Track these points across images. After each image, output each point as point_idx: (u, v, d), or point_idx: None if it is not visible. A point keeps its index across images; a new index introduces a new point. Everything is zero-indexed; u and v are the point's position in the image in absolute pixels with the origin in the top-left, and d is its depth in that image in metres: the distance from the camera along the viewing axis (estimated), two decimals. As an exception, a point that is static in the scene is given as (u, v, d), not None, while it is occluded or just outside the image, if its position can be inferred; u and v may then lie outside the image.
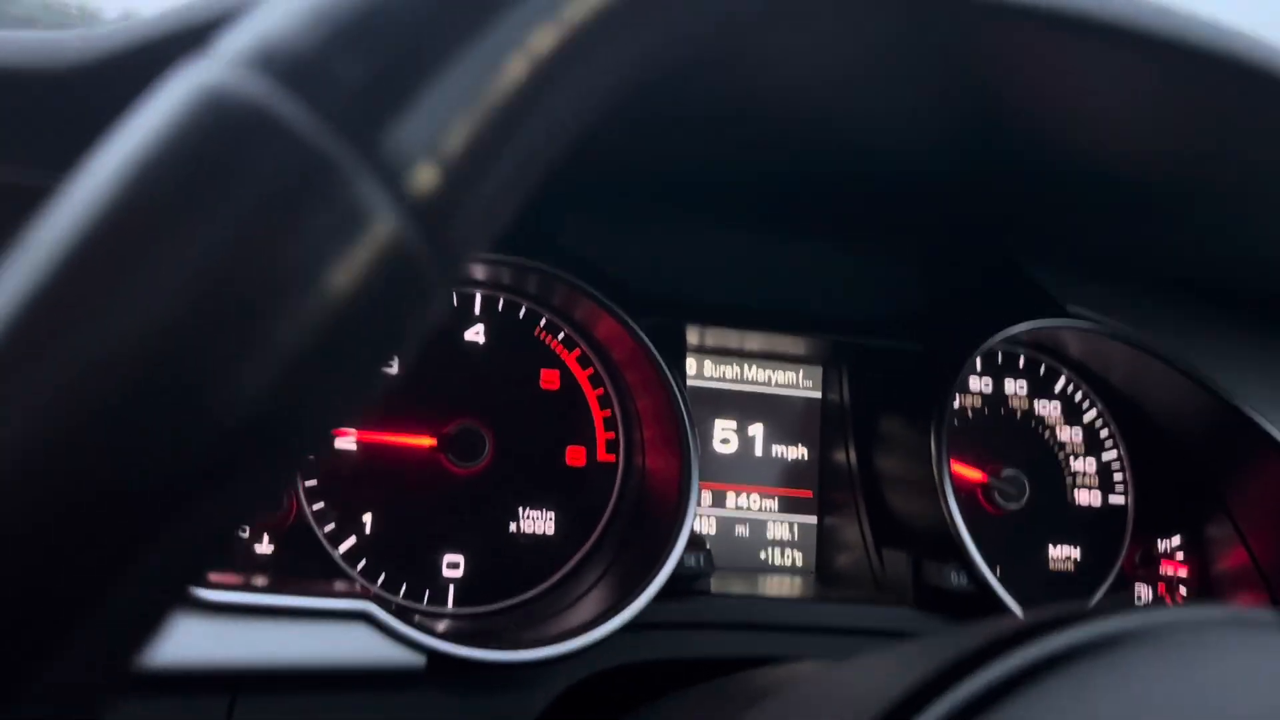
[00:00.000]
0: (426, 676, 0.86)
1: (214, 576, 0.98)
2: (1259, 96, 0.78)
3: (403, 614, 1.01)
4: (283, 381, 0.29)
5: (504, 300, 1.16)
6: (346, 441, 1.10)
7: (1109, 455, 1.32)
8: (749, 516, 1.23)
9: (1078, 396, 1.32)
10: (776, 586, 1.16)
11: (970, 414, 1.28)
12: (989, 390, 1.29)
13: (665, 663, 0.94)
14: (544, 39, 0.32)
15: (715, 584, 1.12)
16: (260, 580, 1.03)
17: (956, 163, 1.06)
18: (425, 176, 0.30)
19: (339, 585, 1.03)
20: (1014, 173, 1.06)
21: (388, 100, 0.30)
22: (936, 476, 1.08)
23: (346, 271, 0.29)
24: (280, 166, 0.28)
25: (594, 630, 0.90)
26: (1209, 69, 0.74)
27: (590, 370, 1.18)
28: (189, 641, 0.78)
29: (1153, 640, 0.45)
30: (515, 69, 0.31)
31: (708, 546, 1.18)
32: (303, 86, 0.29)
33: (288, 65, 0.29)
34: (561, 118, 0.33)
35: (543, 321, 1.17)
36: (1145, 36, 0.72)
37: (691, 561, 0.98)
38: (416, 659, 0.86)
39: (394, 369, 1.12)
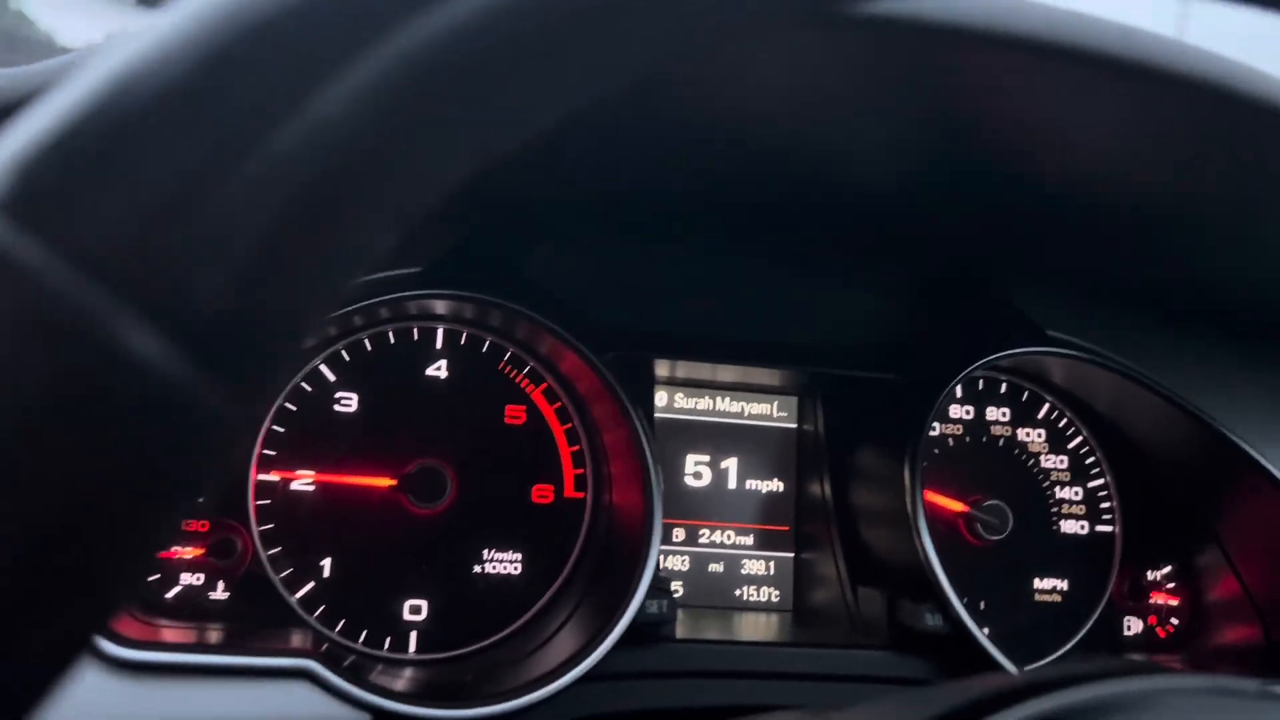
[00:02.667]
0: (375, 735, 0.82)
1: (147, 629, 0.95)
2: (1237, 121, 0.75)
3: (357, 666, 0.97)
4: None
5: (467, 335, 1.13)
6: (304, 484, 1.07)
7: (1095, 482, 1.28)
8: (723, 553, 1.20)
9: (1062, 423, 1.28)
10: (750, 627, 1.12)
11: (951, 442, 1.24)
12: (970, 417, 1.26)
13: (627, 714, 0.91)
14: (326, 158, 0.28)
15: (687, 626, 1.09)
16: (213, 629, 1.00)
17: (933, 188, 1.03)
18: (196, 311, 0.27)
19: (294, 636, 0.99)
20: (993, 199, 1.03)
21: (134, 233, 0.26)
22: (910, 511, 1.05)
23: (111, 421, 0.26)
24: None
25: (550, 684, 0.87)
26: (1186, 93, 0.72)
27: (557, 404, 1.14)
28: (116, 704, 0.75)
29: (1135, 710, 0.44)
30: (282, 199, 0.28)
31: (674, 589, 1.15)
32: (41, 226, 0.26)
33: (24, 200, 0.25)
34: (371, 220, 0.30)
35: (507, 355, 1.13)
36: (1117, 61, 0.69)
37: (654, 609, 0.94)
38: (360, 718, 0.82)
39: (353, 409, 1.09)
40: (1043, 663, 1.23)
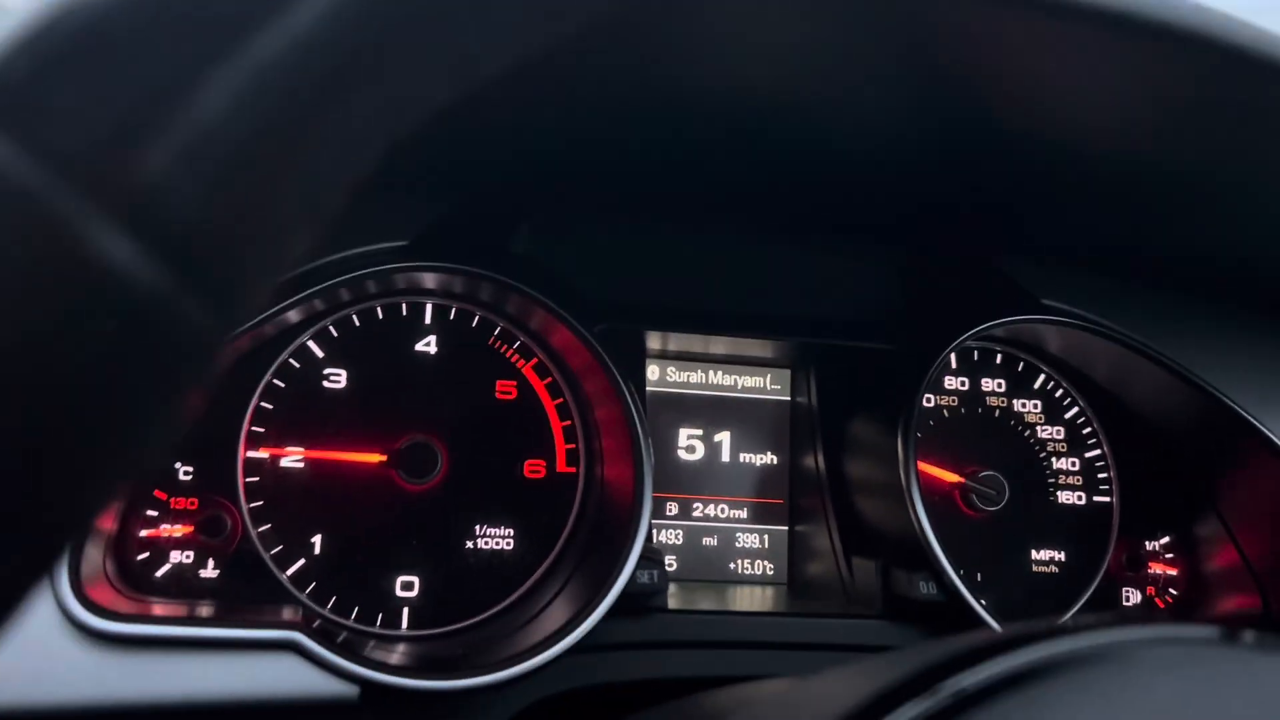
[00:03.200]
0: (363, 707, 0.82)
1: (134, 604, 0.94)
2: (1238, 81, 0.74)
3: (349, 642, 0.97)
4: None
5: (456, 309, 1.12)
6: (293, 460, 1.06)
7: (1092, 453, 1.27)
8: (717, 526, 1.19)
9: (1058, 393, 1.27)
10: (744, 599, 1.12)
11: (946, 414, 1.23)
12: (965, 388, 1.25)
13: (619, 685, 0.90)
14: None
15: (680, 598, 1.08)
16: (203, 607, 0.99)
17: (926, 155, 1.02)
18: (167, 210, 0.26)
19: (284, 611, 0.99)
20: (988, 167, 1.02)
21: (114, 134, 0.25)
22: (904, 481, 1.04)
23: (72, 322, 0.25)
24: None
25: (540, 654, 0.86)
26: (1187, 50, 0.70)
27: (549, 379, 1.13)
28: (101, 678, 0.74)
29: (1099, 662, 0.44)
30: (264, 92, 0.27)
31: (667, 560, 1.15)
32: (13, 124, 0.25)
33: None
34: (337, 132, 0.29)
35: (497, 330, 1.13)
36: (1117, 17, 0.68)
37: (645, 578, 0.93)
38: (349, 690, 0.81)
39: (342, 385, 1.08)
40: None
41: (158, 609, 0.93)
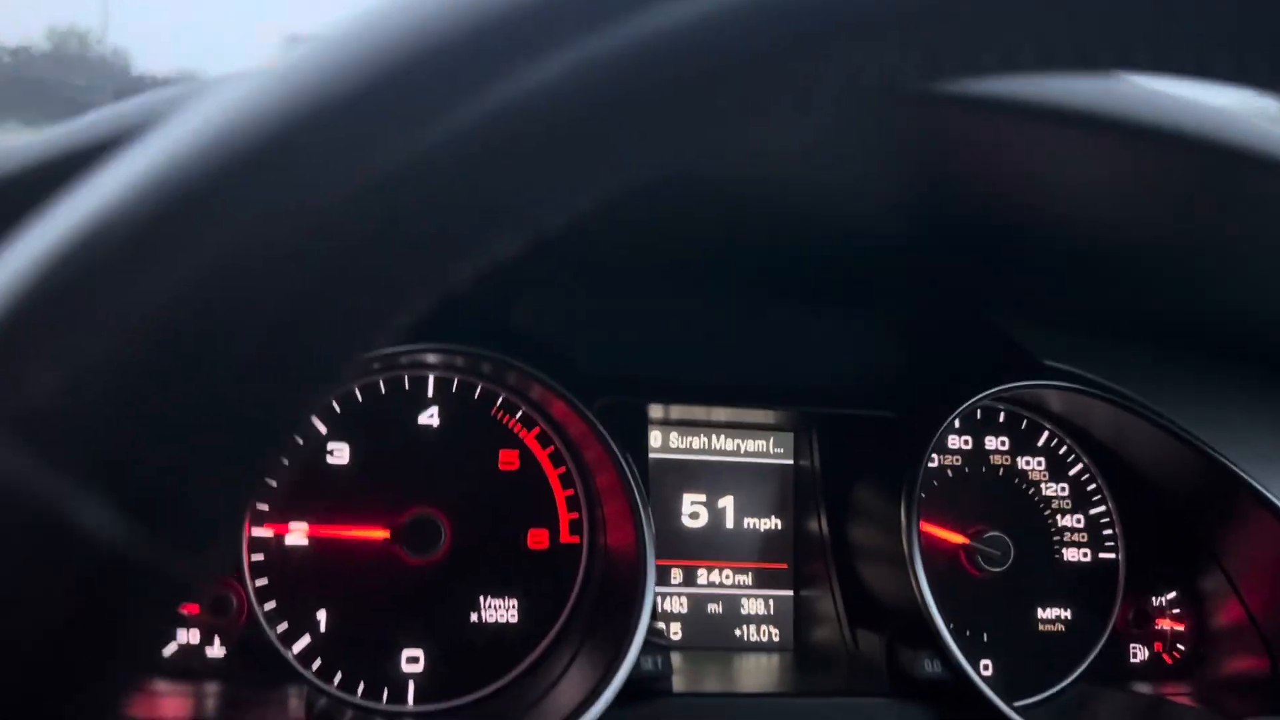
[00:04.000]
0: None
1: (158, 686, 0.94)
2: (1219, 169, 0.74)
3: (356, 719, 0.97)
4: None
5: (458, 381, 1.12)
6: (297, 537, 1.06)
7: (1096, 509, 1.27)
8: (722, 593, 1.19)
9: (1061, 450, 1.27)
10: (750, 673, 1.11)
11: (950, 473, 1.23)
12: (969, 447, 1.25)
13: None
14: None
15: (686, 675, 1.08)
16: (209, 689, 1.00)
17: (929, 228, 1.03)
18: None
19: (290, 699, 0.99)
20: (987, 241, 1.03)
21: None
22: (907, 551, 1.04)
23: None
24: None
25: (546, 745, 0.86)
26: (1168, 146, 0.71)
27: (551, 448, 1.14)
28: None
29: None
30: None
31: (672, 629, 1.15)
32: None
33: None
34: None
35: (499, 401, 1.13)
36: (1097, 119, 0.68)
37: (649, 665, 0.93)
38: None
39: (345, 460, 1.09)
40: (1048, 693, 1.22)
41: (160, 703, 0.93)
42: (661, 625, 1.13)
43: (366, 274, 0.27)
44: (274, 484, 1.06)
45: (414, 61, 0.27)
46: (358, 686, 1.05)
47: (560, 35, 0.27)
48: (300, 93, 0.27)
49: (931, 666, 0.99)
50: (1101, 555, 1.26)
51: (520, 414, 1.13)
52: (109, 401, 0.25)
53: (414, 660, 1.07)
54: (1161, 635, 1.26)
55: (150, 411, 0.26)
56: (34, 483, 0.25)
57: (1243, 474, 1.10)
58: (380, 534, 1.07)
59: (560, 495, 1.14)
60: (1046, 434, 1.27)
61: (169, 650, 1.02)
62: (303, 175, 0.26)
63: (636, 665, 0.92)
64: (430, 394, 1.11)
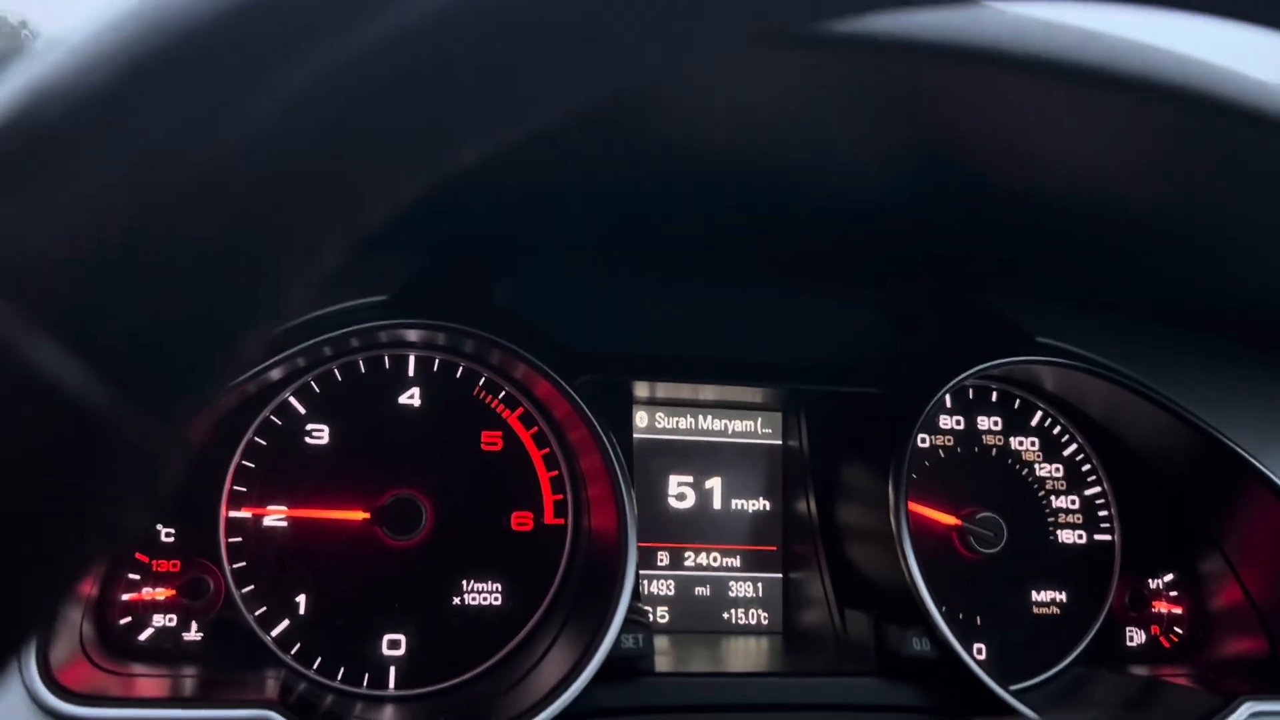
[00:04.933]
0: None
1: (99, 676, 0.92)
2: (1224, 130, 0.72)
3: (335, 706, 0.95)
4: None
5: (440, 361, 1.10)
6: (275, 519, 1.04)
7: (1092, 490, 1.25)
8: (709, 575, 1.17)
9: (1055, 430, 1.25)
10: (737, 654, 1.09)
11: (942, 454, 1.21)
12: (960, 428, 1.22)
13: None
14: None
15: (672, 656, 1.06)
16: (186, 672, 0.98)
17: (917, 202, 1.01)
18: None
19: (266, 680, 0.97)
20: (979, 213, 1.00)
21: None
22: (895, 530, 1.01)
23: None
24: None
25: (525, 723, 0.84)
26: (1172, 103, 0.69)
27: (534, 429, 1.12)
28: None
29: None
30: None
31: (659, 612, 1.13)
32: None
33: None
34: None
35: (481, 381, 1.11)
36: (1099, 74, 0.66)
37: (629, 643, 0.91)
38: (327, 768, 0.80)
39: (325, 441, 1.07)
40: (1043, 676, 1.19)
41: (135, 684, 0.92)
42: (648, 608, 1.11)
43: (332, 155, 0.27)
44: (252, 465, 1.04)
45: None
46: (338, 671, 1.03)
47: None
48: None
49: (920, 645, 0.97)
50: (1097, 537, 1.24)
51: (503, 394, 1.11)
52: (83, 252, 0.25)
53: (395, 644, 1.05)
54: (1159, 618, 1.24)
55: (125, 266, 0.25)
56: (6, 333, 0.24)
57: (1244, 453, 1.08)
58: (360, 515, 1.06)
59: (544, 477, 1.12)
60: (1040, 413, 1.25)
61: (145, 634, 1.00)
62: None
63: (617, 644, 0.90)
64: (411, 374, 1.10)
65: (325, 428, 1.07)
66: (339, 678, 1.03)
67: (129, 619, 1.01)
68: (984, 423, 1.23)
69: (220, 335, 0.28)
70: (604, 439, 1.00)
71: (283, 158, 0.27)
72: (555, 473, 1.12)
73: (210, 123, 0.26)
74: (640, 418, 1.16)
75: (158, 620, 1.01)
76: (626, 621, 0.91)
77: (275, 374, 1.03)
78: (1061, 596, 1.22)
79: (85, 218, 0.25)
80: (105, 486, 0.26)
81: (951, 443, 1.22)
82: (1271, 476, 1.07)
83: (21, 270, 0.25)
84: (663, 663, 0.99)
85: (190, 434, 0.28)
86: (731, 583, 1.17)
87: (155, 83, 0.26)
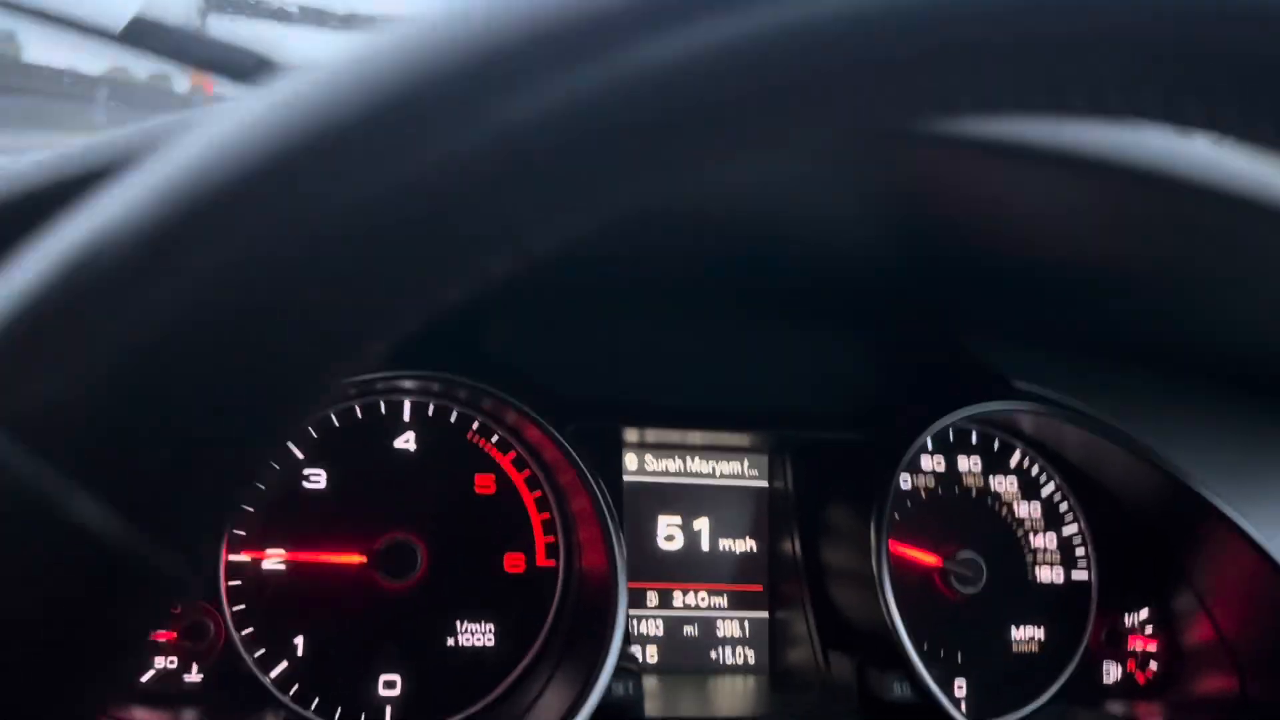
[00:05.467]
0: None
1: (136, 713, 0.95)
2: (1184, 203, 0.76)
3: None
4: None
5: (434, 406, 1.13)
6: (274, 562, 1.07)
7: (1069, 530, 1.28)
8: (698, 615, 1.20)
9: (1034, 470, 1.28)
10: (724, 696, 1.12)
11: (923, 494, 1.25)
12: (941, 469, 1.26)
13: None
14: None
15: (660, 701, 1.09)
16: (188, 714, 1.00)
17: (898, 253, 1.04)
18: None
19: (268, 717, 1.00)
20: (957, 263, 1.04)
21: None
22: (876, 573, 1.05)
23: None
24: None
25: (518, 769, 0.87)
26: (1135, 180, 0.72)
27: (527, 472, 1.15)
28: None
29: None
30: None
31: (648, 651, 1.16)
32: None
33: None
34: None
35: (475, 425, 1.14)
36: (1065, 156, 0.70)
37: (620, 691, 0.94)
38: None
39: (322, 485, 1.09)
40: (1023, 712, 1.22)
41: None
42: (637, 649, 1.13)
43: (355, 294, 0.28)
44: (251, 510, 1.07)
45: (419, 84, 0.28)
46: (335, 711, 1.06)
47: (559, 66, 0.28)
48: (302, 116, 0.28)
49: (901, 690, 1.00)
50: (1074, 575, 1.28)
51: (496, 438, 1.14)
52: (106, 403, 0.27)
53: (391, 685, 1.08)
54: (1134, 654, 1.27)
55: (145, 415, 0.27)
56: (31, 479, 0.26)
57: (1210, 497, 1.12)
58: (357, 559, 1.08)
59: (536, 519, 1.14)
60: (1019, 454, 1.28)
61: (146, 676, 1.03)
62: (298, 195, 0.27)
63: (608, 691, 0.93)
64: (406, 419, 1.12)
65: (323, 472, 1.09)
66: (336, 718, 1.06)
67: (140, 658, 1.03)
68: (964, 463, 1.27)
69: (238, 469, 0.30)
70: (593, 483, 1.03)
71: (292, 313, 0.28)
72: (547, 515, 1.15)
73: (225, 285, 0.27)
74: (630, 460, 1.19)
75: (159, 663, 1.03)
76: (617, 669, 0.94)
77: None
78: (1040, 634, 1.25)
79: (113, 377, 0.27)
80: (133, 613, 0.29)
81: (933, 484, 1.25)
82: (1239, 523, 1.11)
83: (49, 420, 0.27)
84: (652, 707, 1.02)
85: (206, 557, 0.31)
86: (719, 622, 1.20)
87: (168, 251, 0.27)
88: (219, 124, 0.28)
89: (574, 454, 1.02)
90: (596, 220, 0.32)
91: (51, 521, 0.27)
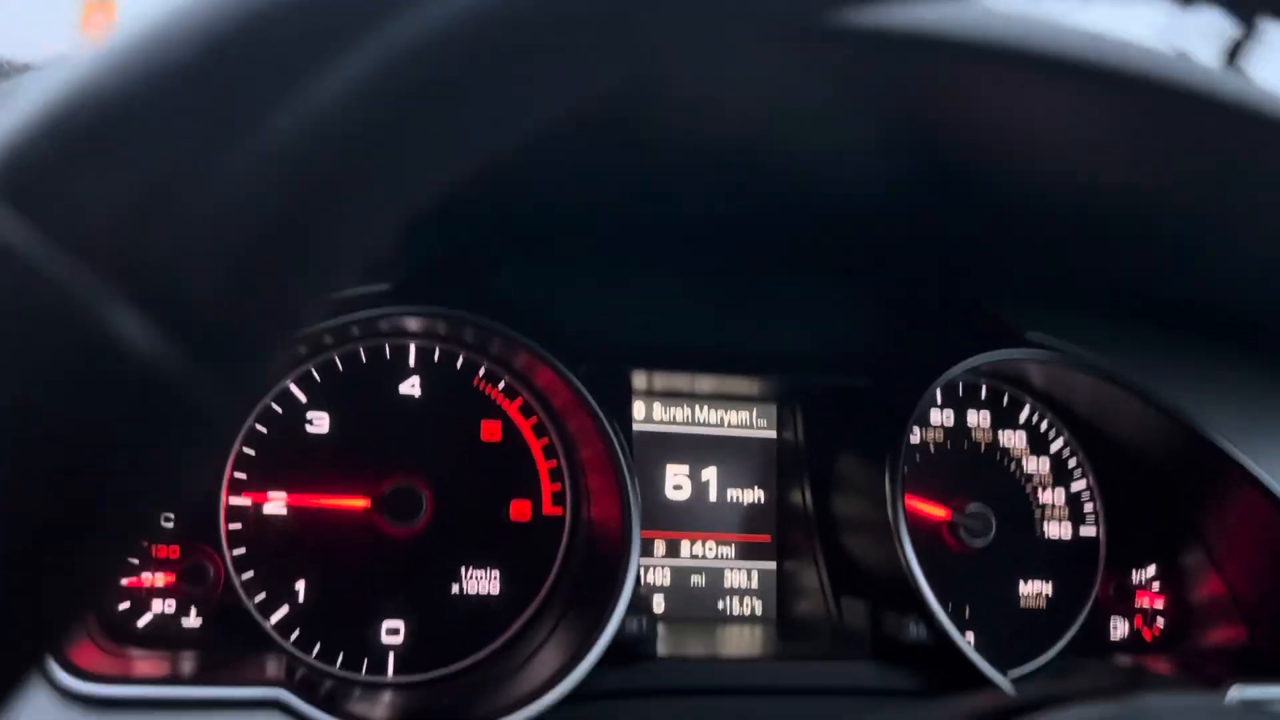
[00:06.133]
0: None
1: (114, 661, 0.93)
2: (1208, 125, 0.75)
3: (334, 692, 0.96)
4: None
5: (440, 351, 1.11)
6: (275, 506, 1.05)
7: (1078, 485, 1.27)
8: (705, 565, 1.18)
9: (1043, 426, 1.27)
10: (734, 640, 1.11)
11: (932, 448, 1.23)
12: (951, 423, 1.25)
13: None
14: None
15: (669, 642, 1.08)
16: (185, 659, 0.98)
17: (908, 196, 1.03)
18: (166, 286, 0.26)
19: (268, 663, 0.98)
20: (969, 207, 1.03)
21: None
22: (892, 520, 1.03)
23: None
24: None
25: (530, 705, 0.85)
26: (1158, 98, 0.71)
27: (534, 419, 1.13)
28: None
29: None
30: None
31: (656, 600, 1.14)
32: (34, 208, 0.25)
33: (16, 182, 0.25)
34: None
35: (481, 371, 1.12)
36: (1086, 68, 0.68)
37: (634, 627, 0.93)
38: (336, 748, 0.80)
39: (325, 429, 1.07)
40: (1029, 667, 1.22)
41: (140, 665, 0.92)
42: (644, 596, 1.12)
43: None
44: (252, 452, 1.05)
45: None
46: (337, 657, 1.04)
47: None
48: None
49: (917, 631, 0.99)
50: (1083, 530, 1.27)
51: (503, 384, 1.12)
52: (164, 222, 0.26)
53: (394, 631, 1.06)
54: (1142, 610, 1.27)
55: (206, 239, 0.26)
56: (81, 293, 0.25)
57: (1225, 447, 1.11)
58: (360, 503, 1.06)
59: (543, 466, 1.13)
60: (1028, 409, 1.27)
61: (144, 620, 1.00)
62: None
63: (621, 628, 0.91)
64: (411, 363, 1.10)
65: (326, 416, 1.07)
66: (338, 664, 1.04)
67: (128, 604, 1.01)
68: (973, 418, 1.26)
69: (288, 300, 0.29)
70: (608, 428, 1.02)
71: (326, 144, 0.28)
72: (554, 463, 1.13)
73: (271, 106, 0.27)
74: (638, 409, 1.18)
75: (157, 606, 1.01)
76: (630, 606, 0.93)
77: (276, 361, 1.03)
78: (1048, 589, 1.25)
79: (159, 187, 0.26)
80: (169, 446, 0.27)
81: (942, 437, 1.24)
82: (1254, 471, 1.10)
83: (103, 234, 0.25)
84: (662, 648, 1.00)
85: (248, 397, 0.29)
86: (726, 571, 1.19)
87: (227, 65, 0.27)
88: None
89: (589, 396, 1.00)
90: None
91: (94, 336, 0.25)
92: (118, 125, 0.26)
